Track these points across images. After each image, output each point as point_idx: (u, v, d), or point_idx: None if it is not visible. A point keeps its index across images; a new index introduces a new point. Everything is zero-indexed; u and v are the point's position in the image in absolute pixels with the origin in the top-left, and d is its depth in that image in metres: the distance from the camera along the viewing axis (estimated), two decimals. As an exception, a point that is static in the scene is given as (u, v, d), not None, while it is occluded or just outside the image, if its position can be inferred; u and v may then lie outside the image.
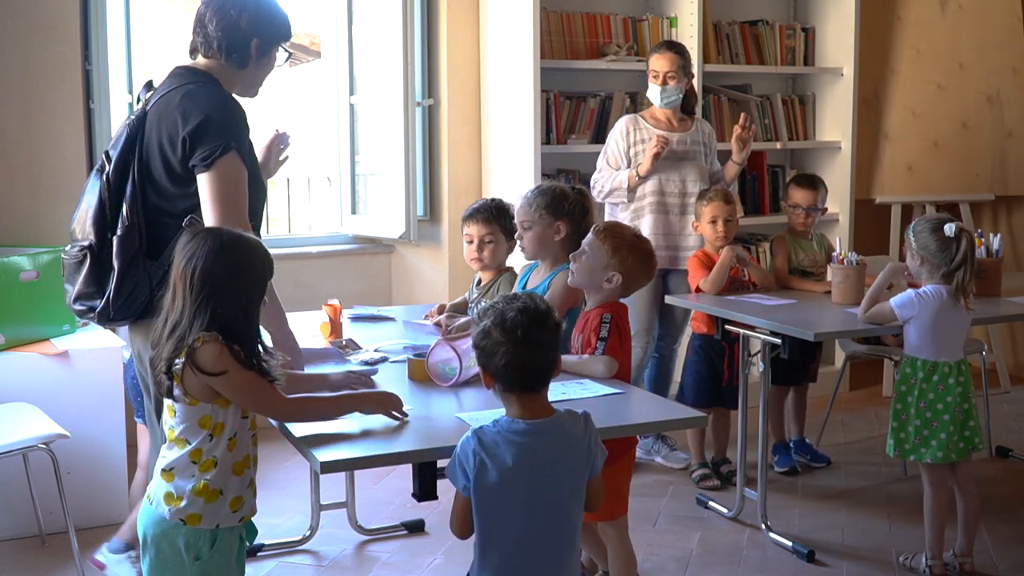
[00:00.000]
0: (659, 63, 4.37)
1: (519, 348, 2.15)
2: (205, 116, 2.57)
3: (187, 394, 2.19)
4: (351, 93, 5.20)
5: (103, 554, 3.34)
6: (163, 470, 2.24)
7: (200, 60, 2.74)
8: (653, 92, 4.41)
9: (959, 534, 3.46)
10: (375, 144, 5.14)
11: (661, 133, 4.32)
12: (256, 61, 2.74)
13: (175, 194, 2.63)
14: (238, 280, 2.21)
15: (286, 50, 2.81)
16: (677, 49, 4.42)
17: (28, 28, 4.28)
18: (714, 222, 4.19)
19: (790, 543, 3.67)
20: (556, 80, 4.94)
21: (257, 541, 3.47)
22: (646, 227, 4.32)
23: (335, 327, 3.24)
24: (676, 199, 4.38)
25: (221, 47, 2.70)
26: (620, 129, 4.43)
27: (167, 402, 2.23)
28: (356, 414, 2.36)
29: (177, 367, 2.17)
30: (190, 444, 2.21)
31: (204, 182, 2.58)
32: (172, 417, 2.24)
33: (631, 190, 4.34)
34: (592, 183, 4.44)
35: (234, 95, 2.75)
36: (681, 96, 4.42)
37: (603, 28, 5.07)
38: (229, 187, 2.58)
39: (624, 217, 4.38)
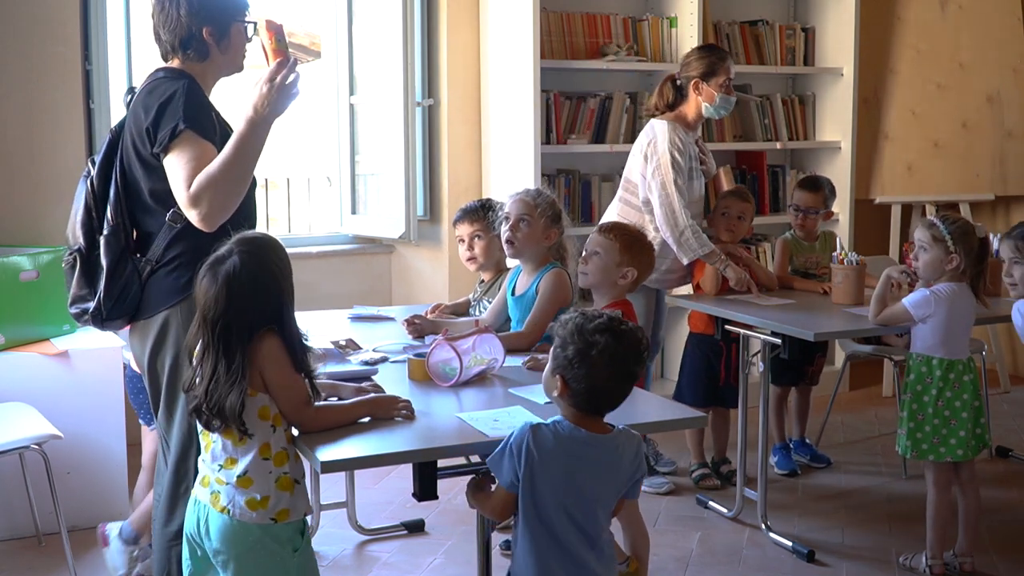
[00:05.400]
0: (732, 70, 4.14)
1: (615, 379, 2.13)
2: (160, 103, 2.58)
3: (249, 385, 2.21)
4: (351, 93, 5.20)
5: (113, 533, 3.31)
6: (239, 476, 2.22)
7: (173, 62, 2.74)
8: (723, 103, 4.12)
9: (959, 534, 3.47)
10: (375, 144, 5.14)
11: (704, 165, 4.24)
12: (218, 47, 2.70)
13: (155, 187, 2.63)
14: (269, 288, 2.24)
15: (247, 23, 2.72)
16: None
17: (28, 28, 4.28)
18: (725, 214, 4.20)
19: (790, 543, 3.67)
20: (556, 80, 4.94)
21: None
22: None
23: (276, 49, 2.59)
24: (699, 207, 4.24)
25: (176, 47, 2.69)
26: (676, 140, 4.04)
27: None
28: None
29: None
30: (252, 441, 2.21)
31: (167, 167, 2.57)
32: None
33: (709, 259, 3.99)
34: (668, 214, 3.96)
35: (208, 81, 2.73)
36: None
37: (603, 28, 5.07)
38: (189, 164, 2.53)
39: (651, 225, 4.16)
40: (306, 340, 2.32)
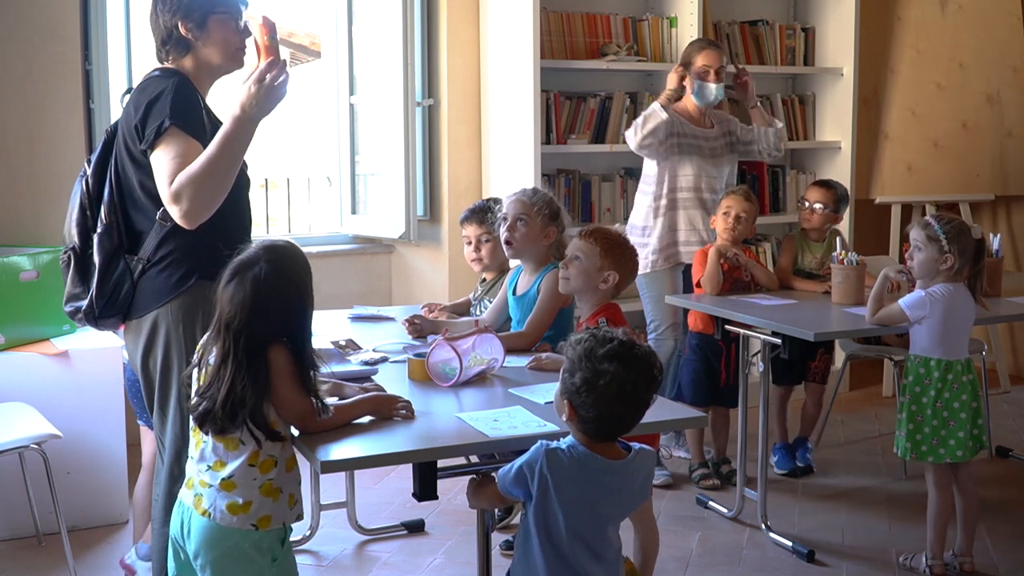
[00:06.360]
0: (710, 58, 4.36)
1: (625, 408, 2.08)
2: (149, 100, 2.58)
3: None
4: (351, 93, 5.20)
5: (132, 559, 3.34)
6: (223, 479, 2.20)
7: (168, 62, 2.75)
8: (705, 90, 4.37)
9: (958, 534, 3.47)
10: (375, 144, 5.14)
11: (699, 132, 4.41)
12: (199, 41, 2.68)
13: (146, 185, 2.63)
14: (291, 300, 2.22)
15: (228, 13, 2.68)
16: (717, 45, 4.51)
17: (28, 28, 4.28)
18: (727, 214, 4.20)
19: (790, 543, 3.67)
20: (556, 80, 4.94)
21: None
22: (682, 221, 4.41)
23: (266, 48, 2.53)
24: (710, 195, 4.42)
25: (161, 47, 2.72)
26: (666, 121, 4.33)
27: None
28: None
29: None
30: (244, 446, 2.19)
31: (153, 163, 2.57)
32: None
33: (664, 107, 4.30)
34: (632, 129, 4.35)
35: (202, 80, 2.72)
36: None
37: (603, 28, 5.07)
38: (173, 161, 2.52)
39: (658, 207, 4.42)
40: (318, 358, 2.28)
